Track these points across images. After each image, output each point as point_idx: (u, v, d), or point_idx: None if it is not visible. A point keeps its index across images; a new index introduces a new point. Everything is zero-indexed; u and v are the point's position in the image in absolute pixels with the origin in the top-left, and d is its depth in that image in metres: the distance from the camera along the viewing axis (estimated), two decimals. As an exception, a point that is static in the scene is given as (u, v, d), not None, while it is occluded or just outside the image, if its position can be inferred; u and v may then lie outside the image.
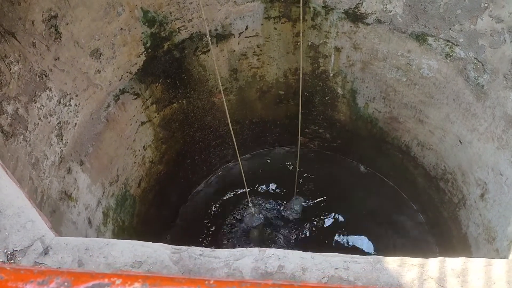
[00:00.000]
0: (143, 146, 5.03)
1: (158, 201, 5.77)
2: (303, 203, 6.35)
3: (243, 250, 1.35)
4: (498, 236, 4.27)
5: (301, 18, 4.68)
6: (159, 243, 1.39)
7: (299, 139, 5.52)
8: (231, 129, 4.78)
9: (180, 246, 1.38)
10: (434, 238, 5.93)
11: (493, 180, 4.29)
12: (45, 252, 1.26)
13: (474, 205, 4.73)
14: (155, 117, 5.03)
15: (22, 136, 3.15)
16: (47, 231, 1.30)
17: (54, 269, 0.59)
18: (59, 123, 3.59)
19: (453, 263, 1.26)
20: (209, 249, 1.32)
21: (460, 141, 4.66)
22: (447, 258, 1.29)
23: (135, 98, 4.59)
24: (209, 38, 4.58)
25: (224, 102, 4.70)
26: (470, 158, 4.60)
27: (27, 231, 1.29)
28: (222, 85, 5.50)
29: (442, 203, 5.49)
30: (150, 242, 1.37)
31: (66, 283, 0.57)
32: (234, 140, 4.91)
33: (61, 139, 3.65)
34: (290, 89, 5.91)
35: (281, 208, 6.41)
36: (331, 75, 5.46)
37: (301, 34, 4.93)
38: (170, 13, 4.41)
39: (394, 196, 6.36)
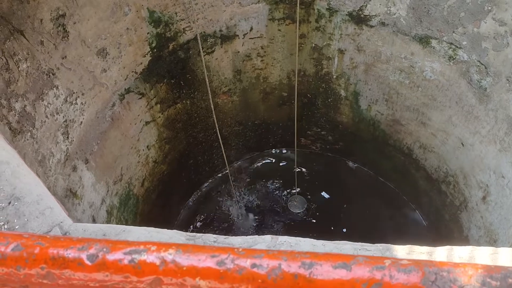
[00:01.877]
0: (147, 146, 5.06)
1: (160, 201, 5.80)
2: (303, 202, 6.41)
3: (256, 237, 1.38)
4: (499, 238, 4.29)
5: (297, 17, 4.71)
6: (174, 230, 1.42)
7: (295, 131, 5.54)
8: (219, 134, 4.81)
9: (194, 233, 1.41)
10: (435, 241, 5.94)
11: (495, 182, 4.31)
12: (64, 237, 1.28)
13: (475, 208, 4.75)
14: (159, 117, 5.07)
15: (29, 133, 3.18)
16: (65, 218, 1.33)
17: (92, 238, 0.62)
18: (65, 121, 3.63)
19: (461, 251, 1.29)
20: (222, 236, 1.36)
21: (462, 143, 4.69)
22: (454, 247, 1.33)
23: (140, 98, 4.62)
24: (200, 43, 4.62)
25: (212, 103, 4.73)
26: (472, 161, 4.62)
27: (46, 218, 1.32)
28: (226, 86, 5.55)
29: (444, 206, 5.51)
30: (166, 229, 1.41)
31: (104, 249, 0.60)
32: (219, 137, 4.93)
33: (67, 137, 3.68)
34: (293, 91, 5.94)
35: (282, 204, 6.47)
36: (334, 77, 5.49)
37: (297, 31, 4.96)
38: (176, 13, 4.45)
39: (396, 198, 6.38)
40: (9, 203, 1.31)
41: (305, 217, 6.36)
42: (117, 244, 0.60)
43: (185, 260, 0.59)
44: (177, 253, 0.59)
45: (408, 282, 0.53)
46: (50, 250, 0.60)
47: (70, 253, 0.60)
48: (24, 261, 0.59)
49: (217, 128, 4.83)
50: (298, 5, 4.37)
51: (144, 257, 0.60)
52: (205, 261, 0.58)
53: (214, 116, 4.81)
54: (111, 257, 0.60)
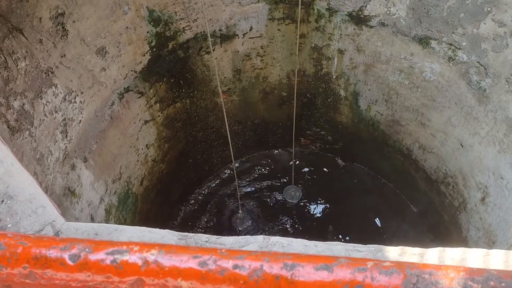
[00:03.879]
0: (146, 145, 5.07)
1: (159, 200, 5.80)
2: (299, 192, 6.45)
3: (248, 237, 1.38)
4: (498, 240, 4.28)
5: (299, 15, 4.71)
6: (166, 230, 1.42)
7: (294, 124, 5.54)
8: (228, 131, 4.81)
9: (186, 233, 1.41)
10: (434, 242, 5.94)
11: (493, 183, 4.31)
12: (56, 236, 1.28)
13: (474, 209, 4.75)
14: (159, 116, 5.07)
15: (27, 132, 3.18)
16: (57, 217, 1.34)
17: (75, 238, 0.63)
18: (64, 119, 3.63)
19: (453, 253, 1.29)
20: (214, 236, 1.35)
21: (461, 144, 4.69)
22: (446, 248, 1.32)
23: (139, 97, 4.62)
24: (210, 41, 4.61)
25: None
26: (471, 162, 4.62)
27: (38, 216, 1.32)
28: (225, 86, 5.55)
29: (443, 207, 5.51)
30: (158, 229, 1.41)
31: (87, 249, 0.60)
32: (228, 134, 4.94)
33: (66, 136, 3.68)
34: (292, 90, 5.93)
35: (280, 203, 6.50)
36: (334, 77, 5.49)
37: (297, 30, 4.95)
38: (175, 12, 4.45)
39: (395, 199, 6.38)
40: (2, 201, 1.31)
41: (303, 220, 6.36)
42: (100, 244, 0.60)
43: (167, 260, 0.59)
44: (160, 254, 0.59)
45: (390, 284, 0.53)
46: (32, 250, 0.60)
47: (52, 253, 0.60)
48: (7, 261, 0.59)
49: (226, 124, 4.82)
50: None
51: (126, 257, 0.60)
52: (187, 262, 0.58)
53: (224, 113, 4.80)
54: (93, 257, 0.60)
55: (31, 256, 0.60)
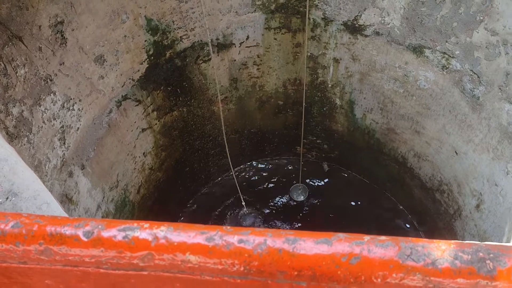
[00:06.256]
0: (143, 153, 5.09)
1: (156, 208, 5.81)
2: (306, 190, 6.51)
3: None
4: (493, 246, 4.31)
5: (306, 23, 4.77)
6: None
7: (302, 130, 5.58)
8: (225, 138, 4.85)
9: (188, 229, 1.44)
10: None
11: (488, 190, 4.35)
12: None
13: (469, 216, 4.78)
14: (156, 124, 5.10)
15: (26, 138, 3.21)
16: (61, 213, 1.36)
17: (88, 218, 0.66)
18: (62, 127, 3.65)
19: (446, 246, 1.32)
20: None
21: (456, 152, 4.73)
22: (441, 240, 1.36)
23: (137, 105, 4.66)
24: (209, 48, 4.65)
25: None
26: (465, 169, 4.66)
27: (42, 212, 1.35)
28: (222, 94, 5.59)
29: (438, 214, 5.54)
30: (160, 224, 1.44)
31: (100, 226, 0.63)
32: (226, 144, 4.96)
33: (64, 143, 3.70)
34: (289, 99, 5.99)
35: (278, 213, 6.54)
36: (330, 86, 5.55)
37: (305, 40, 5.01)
38: (173, 22, 4.50)
39: (391, 207, 6.41)
40: (7, 198, 1.34)
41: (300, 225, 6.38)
42: (112, 222, 0.64)
43: (176, 236, 0.62)
44: (169, 230, 0.63)
45: (385, 256, 0.57)
46: (48, 227, 0.63)
47: (67, 230, 0.63)
48: (23, 238, 0.62)
49: (224, 133, 4.87)
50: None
51: (137, 233, 0.63)
52: (195, 238, 0.62)
53: (222, 122, 4.85)
54: (106, 233, 0.63)
55: (46, 233, 0.63)
